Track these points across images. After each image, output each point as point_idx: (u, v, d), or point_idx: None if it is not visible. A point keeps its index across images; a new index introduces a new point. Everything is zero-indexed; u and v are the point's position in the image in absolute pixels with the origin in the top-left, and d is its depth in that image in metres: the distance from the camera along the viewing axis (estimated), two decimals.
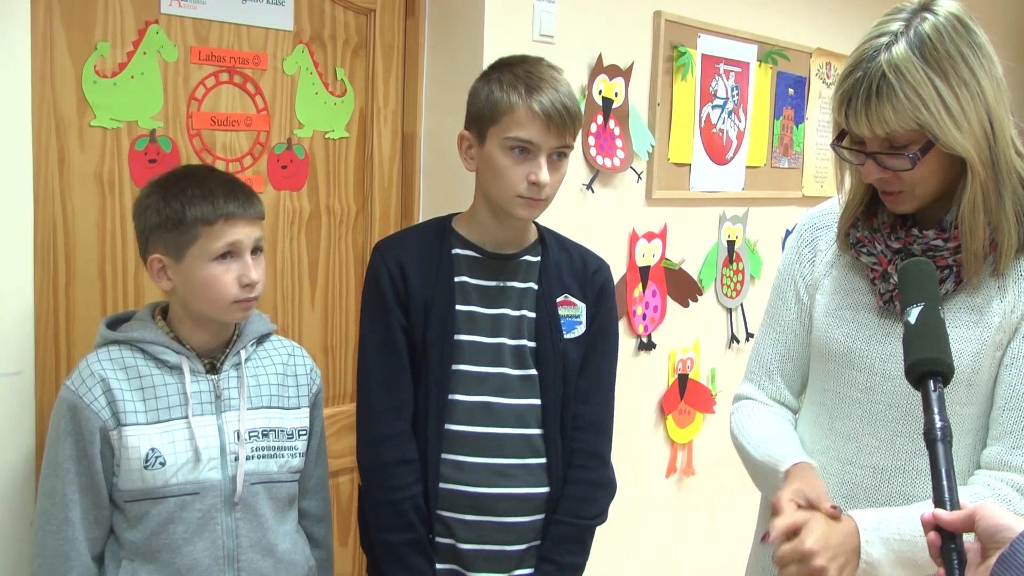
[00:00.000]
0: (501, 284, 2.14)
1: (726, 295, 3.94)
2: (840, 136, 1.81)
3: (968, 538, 1.33)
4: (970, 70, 1.68)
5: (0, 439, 2.05)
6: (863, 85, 1.69)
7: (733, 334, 4.00)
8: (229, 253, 1.93)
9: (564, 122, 2.04)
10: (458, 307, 2.11)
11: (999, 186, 1.73)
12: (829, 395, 1.93)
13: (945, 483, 1.32)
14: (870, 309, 1.88)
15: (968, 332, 1.75)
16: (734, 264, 3.96)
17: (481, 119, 2.08)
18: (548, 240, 2.23)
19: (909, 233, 1.82)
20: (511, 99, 2.03)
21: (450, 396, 2.10)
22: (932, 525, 1.31)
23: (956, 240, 1.77)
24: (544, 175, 2.03)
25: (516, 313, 2.14)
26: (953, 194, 1.76)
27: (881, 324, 1.86)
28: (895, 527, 1.70)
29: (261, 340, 2.10)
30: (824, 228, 2.01)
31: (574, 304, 2.19)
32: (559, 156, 2.08)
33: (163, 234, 1.93)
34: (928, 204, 1.80)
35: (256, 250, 1.98)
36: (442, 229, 2.19)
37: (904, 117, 1.67)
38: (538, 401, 2.15)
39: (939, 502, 1.32)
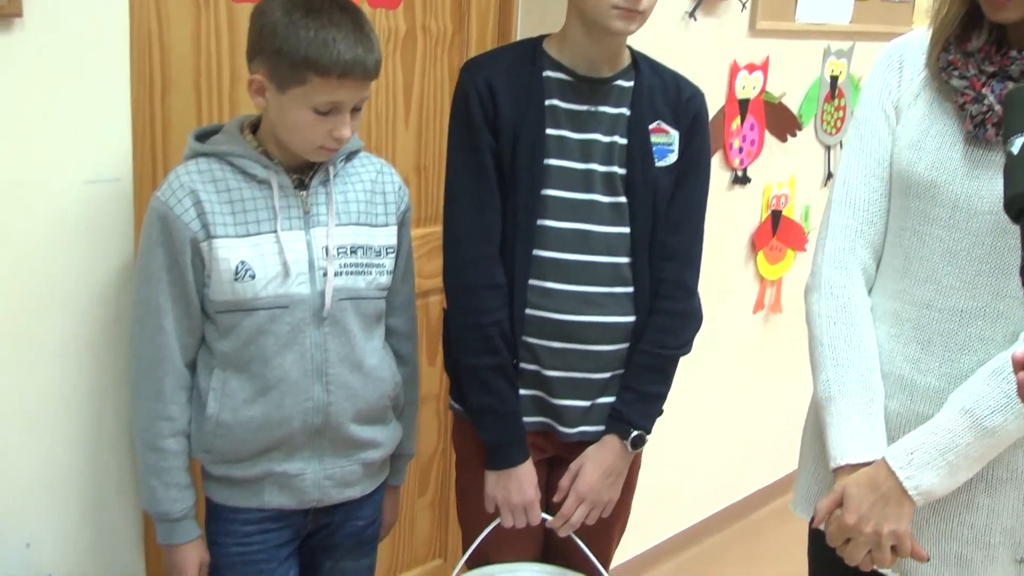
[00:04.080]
0: (592, 108, 2.09)
1: (825, 131, 3.85)
2: None
3: None
4: None
5: (101, 244, 2.09)
6: None
7: (830, 171, 3.92)
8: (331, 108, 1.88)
9: None
10: (548, 131, 2.07)
11: None
12: (907, 235, 1.85)
13: None
14: (957, 139, 1.78)
15: None
16: (836, 100, 3.85)
17: None
18: (642, 65, 2.16)
19: (1006, 56, 1.73)
20: None
21: (539, 222, 2.09)
22: (1023, 364, 1.29)
23: None
24: None
25: (607, 139, 2.10)
26: None
27: (969, 155, 1.76)
28: (931, 445, 1.73)
29: (349, 157, 2.08)
30: (910, 55, 1.89)
31: (667, 132, 2.14)
32: None
33: (273, 60, 1.86)
34: None
35: (357, 108, 1.93)
36: (533, 50, 2.13)
37: None
38: (627, 229, 2.12)
39: None
